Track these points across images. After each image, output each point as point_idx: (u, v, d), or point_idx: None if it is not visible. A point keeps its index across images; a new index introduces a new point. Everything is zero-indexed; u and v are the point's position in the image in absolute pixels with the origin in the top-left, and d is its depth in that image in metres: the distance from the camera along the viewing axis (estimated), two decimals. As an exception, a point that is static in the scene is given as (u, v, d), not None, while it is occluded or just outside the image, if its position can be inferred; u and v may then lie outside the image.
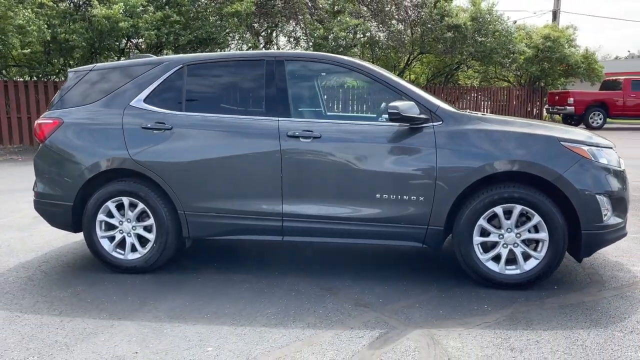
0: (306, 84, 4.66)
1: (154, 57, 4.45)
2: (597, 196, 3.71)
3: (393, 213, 3.91)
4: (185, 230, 4.21)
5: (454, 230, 3.91)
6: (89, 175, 4.22)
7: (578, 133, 4.03)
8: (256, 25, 16.87)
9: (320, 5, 16.43)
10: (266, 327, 3.29)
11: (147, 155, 4.14)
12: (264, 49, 17.53)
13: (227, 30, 15.26)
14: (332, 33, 16.34)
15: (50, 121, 4.38)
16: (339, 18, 16.72)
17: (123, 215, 4.27)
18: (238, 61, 4.36)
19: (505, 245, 3.85)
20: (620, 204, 3.85)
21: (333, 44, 16.31)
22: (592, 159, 3.78)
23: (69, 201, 4.30)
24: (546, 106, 23.49)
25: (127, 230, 4.27)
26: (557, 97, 22.09)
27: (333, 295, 3.81)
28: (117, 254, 4.30)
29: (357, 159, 3.94)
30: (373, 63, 19.18)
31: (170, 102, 4.26)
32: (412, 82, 17.85)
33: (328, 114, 4.63)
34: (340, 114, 4.60)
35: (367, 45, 18.04)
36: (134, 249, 4.28)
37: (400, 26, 19.32)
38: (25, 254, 4.85)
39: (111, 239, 4.32)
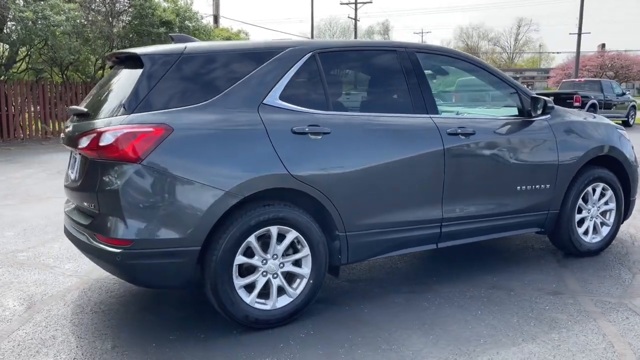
0: (441, 78, 4.27)
1: (266, 40, 3.37)
2: (638, 169, 4.71)
3: (527, 203, 4.07)
4: (344, 255, 3.41)
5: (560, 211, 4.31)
6: (232, 202, 2.96)
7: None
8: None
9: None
10: (550, 334, 3.11)
11: (308, 168, 3.17)
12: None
13: None
14: (42, 16, 13.70)
15: (150, 129, 2.85)
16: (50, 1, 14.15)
17: (265, 251, 3.17)
18: (370, 50, 3.71)
19: (591, 219, 4.49)
20: None
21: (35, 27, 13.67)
22: (629, 140, 4.75)
23: (195, 245, 2.92)
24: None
25: (273, 270, 3.17)
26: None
27: (517, 292, 3.76)
28: (261, 305, 3.17)
29: (504, 154, 3.94)
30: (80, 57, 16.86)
31: (312, 99, 3.35)
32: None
33: (464, 108, 4.34)
34: (471, 108, 4.37)
35: (73, 35, 15.66)
36: (280, 292, 3.24)
37: (100, 17, 17.49)
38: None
39: (248, 287, 3.16)
